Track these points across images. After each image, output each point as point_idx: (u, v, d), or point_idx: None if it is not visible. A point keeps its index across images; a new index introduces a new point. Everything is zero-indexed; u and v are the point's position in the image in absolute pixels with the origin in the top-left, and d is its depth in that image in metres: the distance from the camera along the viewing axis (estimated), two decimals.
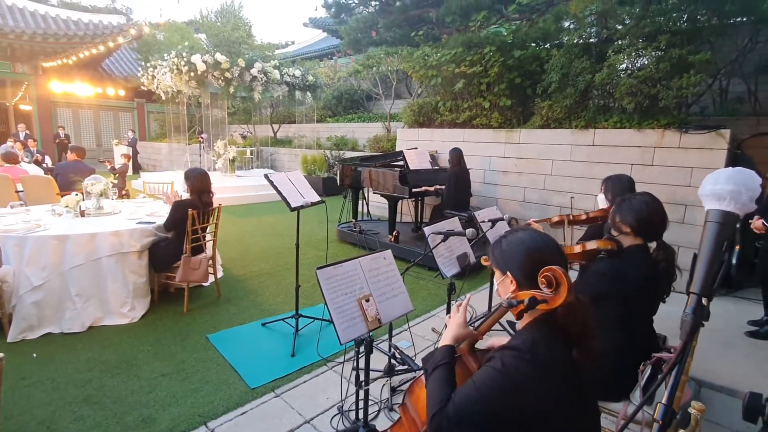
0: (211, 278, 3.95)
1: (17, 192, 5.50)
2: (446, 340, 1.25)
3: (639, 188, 4.44)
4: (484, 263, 1.32)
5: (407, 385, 2.59)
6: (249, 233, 6.52)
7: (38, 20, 12.91)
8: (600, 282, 1.91)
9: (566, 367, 1.07)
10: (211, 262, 3.85)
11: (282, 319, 3.42)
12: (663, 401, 0.97)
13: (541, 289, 1.06)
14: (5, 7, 12.77)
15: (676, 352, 0.95)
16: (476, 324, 1.33)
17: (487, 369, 1.08)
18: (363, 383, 1.96)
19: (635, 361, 1.84)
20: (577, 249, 2.06)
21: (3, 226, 3.33)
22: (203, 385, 2.64)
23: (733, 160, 4.25)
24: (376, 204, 7.35)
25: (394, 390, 2.54)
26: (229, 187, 9.24)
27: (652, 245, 2.03)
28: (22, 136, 11.29)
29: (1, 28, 11.65)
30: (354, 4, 13.37)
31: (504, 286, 1.22)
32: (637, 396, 1.81)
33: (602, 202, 2.82)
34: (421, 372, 1.28)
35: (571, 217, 2.79)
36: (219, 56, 8.83)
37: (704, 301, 0.95)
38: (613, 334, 1.85)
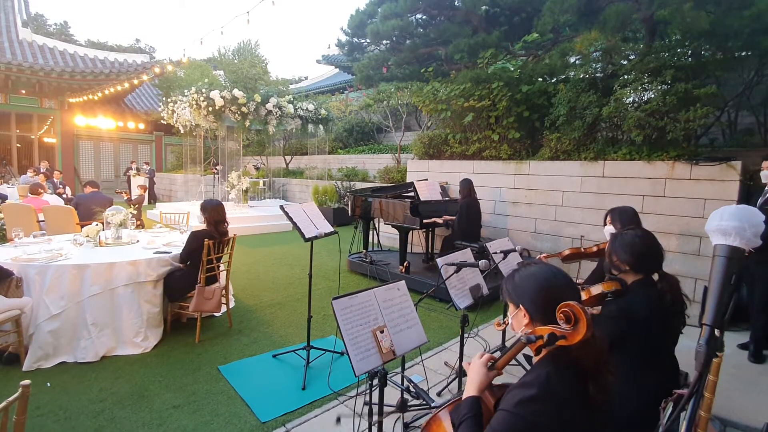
0: (224, 308, 3.97)
1: (39, 222, 5.68)
2: (470, 391, 1.24)
3: (652, 220, 4.48)
4: (497, 329, 1.34)
5: (420, 421, 2.54)
6: (260, 263, 6.57)
7: (67, 59, 13.67)
8: (612, 325, 1.88)
9: (580, 402, 1.06)
10: (224, 292, 3.88)
11: (293, 351, 3.41)
12: None
13: (559, 325, 1.06)
14: (36, 46, 13.59)
15: (692, 383, 0.95)
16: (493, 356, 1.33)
17: (502, 413, 1.08)
18: (376, 418, 1.93)
19: (657, 401, 1.80)
20: (582, 296, 2.01)
21: (26, 255, 3.43)
22: (214, 417, 2.62)
23: (746, 192, 4.23)
24: (386, 235, 7.39)
25: (407, 426, 2.49)
26: (241, 218, 9.37)
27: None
28: (43, 168, 11.79)
29: (32, 66, 12.35)
30: (366, 44, 13.91)
31: (517, 319, 1.24)
32: None
33: (610, 234, 2.81)
34: (437, 410, 1.27)
35: (582, 251, 2.77)
36: (236, 92, 9.19)
37: (716, 332, 0.96)
38: (633, 373, 1.82)
